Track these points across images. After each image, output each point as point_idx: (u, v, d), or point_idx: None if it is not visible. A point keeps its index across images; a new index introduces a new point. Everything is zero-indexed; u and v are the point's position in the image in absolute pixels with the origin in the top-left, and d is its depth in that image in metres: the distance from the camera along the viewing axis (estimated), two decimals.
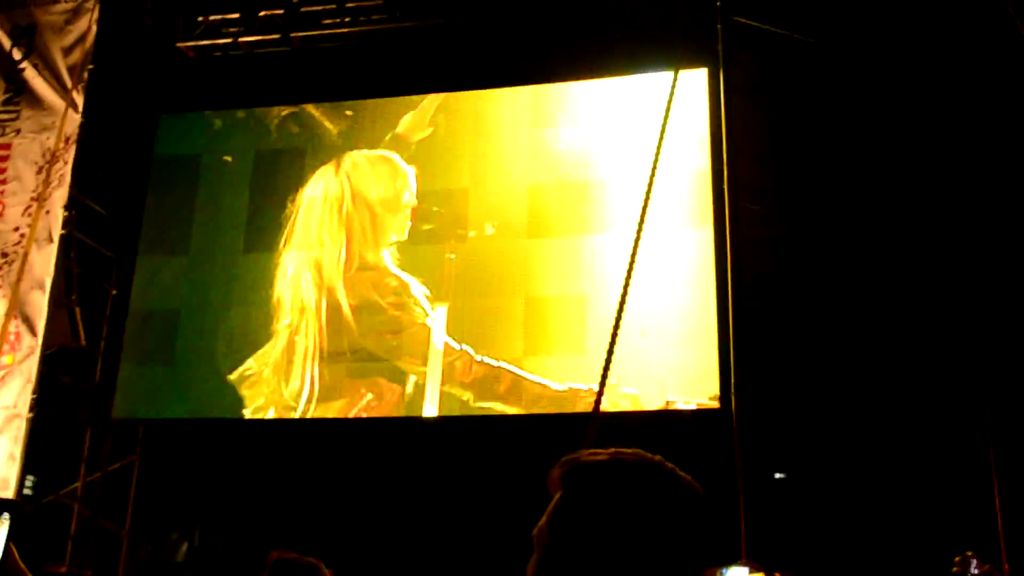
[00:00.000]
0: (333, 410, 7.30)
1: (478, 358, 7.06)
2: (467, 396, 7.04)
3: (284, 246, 7.79)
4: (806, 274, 6.65)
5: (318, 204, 7.84)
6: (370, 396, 7.22)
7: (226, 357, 7.61)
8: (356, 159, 7.89)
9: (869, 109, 6.70)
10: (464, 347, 7.12)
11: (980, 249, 6.21)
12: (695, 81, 7.13)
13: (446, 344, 7.16)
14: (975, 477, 5.97)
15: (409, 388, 7.16)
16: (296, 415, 7.36)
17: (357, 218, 7.73)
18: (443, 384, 7.07)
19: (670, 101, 5.27)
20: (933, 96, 6.45)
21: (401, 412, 7.16)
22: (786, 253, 6.73)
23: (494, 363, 7.02)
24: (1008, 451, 5.96)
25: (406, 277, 7.45)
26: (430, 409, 7.06)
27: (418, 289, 7.39)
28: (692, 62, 7.00)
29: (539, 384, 6.88)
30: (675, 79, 5.53)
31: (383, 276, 7.52)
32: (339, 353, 7.40)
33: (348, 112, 8.06)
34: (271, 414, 7.42)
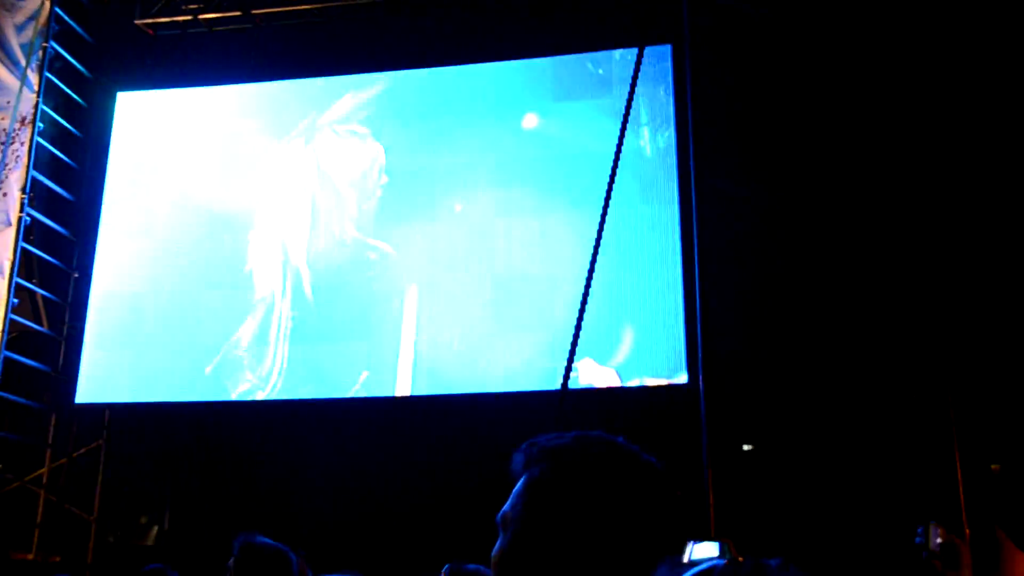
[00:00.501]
0: (303, 390, 7.26)
1: (448, 335, 7.05)
2: (437, 374, 7.03)
3: (253, 225, 7.71)
4: (772, 249, 6.69)
5: (287, 181, 7.76)
6: (342, 375, 7.19)
7: (193, 339, 7.54)
8: (325, 135, 7.81)
9: (838, 83, 6.73)
10: (434, 324, 7.11)
11: (949, 223, 6.27)
12: (660, 57, 7.12)
13: (416, 322, 7.14)
14: (938, 447, 6.06)
15: (380, 367, 7.13)
16: (265, 396, 7.31)
17: (326, 195, 7.67)
18: (413, 362, 7.05)
19: (635, 77, 5.26)
20: (903, 69, 6.49)
21: (372, 392, 7.13)
22: (753, 228, 6.77)
23: (464, 340, 7.02)
24: (970, 422, 6.05)
25: (375, 255, 7.41)
26: (402, 388, 7.05)
27: (387, 266, 7.36)
28: (657, 38, 6.98)
29: (509, 362, 6.89)
30: (640, 55, 5.52)
31: (352, 254, 7.47)
32: (309, 332, 7.36)
33: (312, 87, 7.97)
34: (240, 396, 7.37)
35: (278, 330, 7.42)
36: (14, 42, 7.13)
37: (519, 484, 1.27)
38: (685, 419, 6.32)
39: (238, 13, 8.06)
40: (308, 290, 7.45)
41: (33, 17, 7.12)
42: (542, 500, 1.23)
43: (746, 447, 6.83)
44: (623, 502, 1.21)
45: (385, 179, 7.57)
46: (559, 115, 7.39)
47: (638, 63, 5.39)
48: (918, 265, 6.24)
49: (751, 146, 6.84)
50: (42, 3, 7.13)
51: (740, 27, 6.82)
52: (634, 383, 6.65)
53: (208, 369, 7.40)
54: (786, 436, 6.54)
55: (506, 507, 1.27)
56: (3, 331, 6.73)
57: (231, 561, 3.07)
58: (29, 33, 7.10)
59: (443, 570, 2.43)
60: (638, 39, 5.65)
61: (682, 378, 6.51)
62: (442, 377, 7.02)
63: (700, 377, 5.90)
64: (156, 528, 8.23)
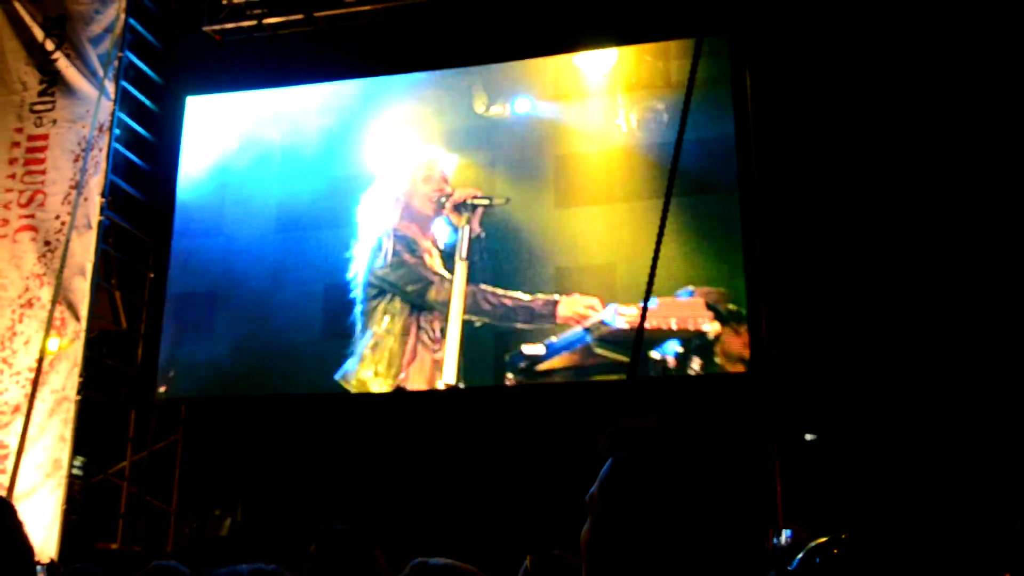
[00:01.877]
0: (368, 383, 7.43)
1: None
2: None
3: (318, 225, 7.89)
4: (834, 236, 6.65)
5: (351, 181, 7.93)
6: (402, 370, 7.34)
7: (261, 335, 7.74)
8: (389, 132, 7.94)
9: (891, 70, 6.65)
10: (495, 315, 7.22)
11: (1013, 212, 6.16)
12: (718, 48, 7.11)
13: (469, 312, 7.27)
14: (1004, 431, 5.97)
15: (447, 360, 7.27)
16: (333, 389, 7.50)
17: (388, 193, 7.82)
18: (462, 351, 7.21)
19: (694, 69, 5.26)
20: (959, 58, 6.39)
21: (437, 384, 7.27)
22: (814, 215, 6.73)
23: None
24: None
25: (436, 252, 7.54)
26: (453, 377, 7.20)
27: (448, 264, 7.48)
28: (715, 30, 6.98)
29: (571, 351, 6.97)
30: (699, 47, 5.52)
31: (415, 255, 7.61)
32: (374, 330, 7.52)
33: (372, 86, 8.12)
34: (311, 389, 7.56)
35: (345, 328, 7.59)
36: (92, 53, 7.42)
37: (605, 467, 1.32)
38: (748, 406, 6.34)
39: (300, 16, 8.24)
40: (375, 288, 7.61)
41: (109, 29, 7.39)
42: (626, 483, 1.28)
43: (809, 437, 6.80)
44: (704, 485, 1.25)
45: (444, 174, 7.69)
46: (615, 106, 7.43)
47: (696, 54, 5.39)
48: (992, 254, 6.13)
49: (811, 133, 6.80)
50: (117, 15, 7.39)
51: (797, 17, 6.78)
52: (695, 371, 6.67)
53: (277, 362, 7.61)
54: (851, 426, 6.50)
55: (593, 489, 1.32)
56: (86, 331, 7.01)
57: (313, 547, 3.17)
58: (106, 44, 7.37)
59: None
60: (697, 30, 5.67)
61: (745, 365, 6.51)
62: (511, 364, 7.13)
63: (766, 366, 5.92)
64: (229, 519, 8.48)
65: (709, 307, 6.75)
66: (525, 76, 7.82)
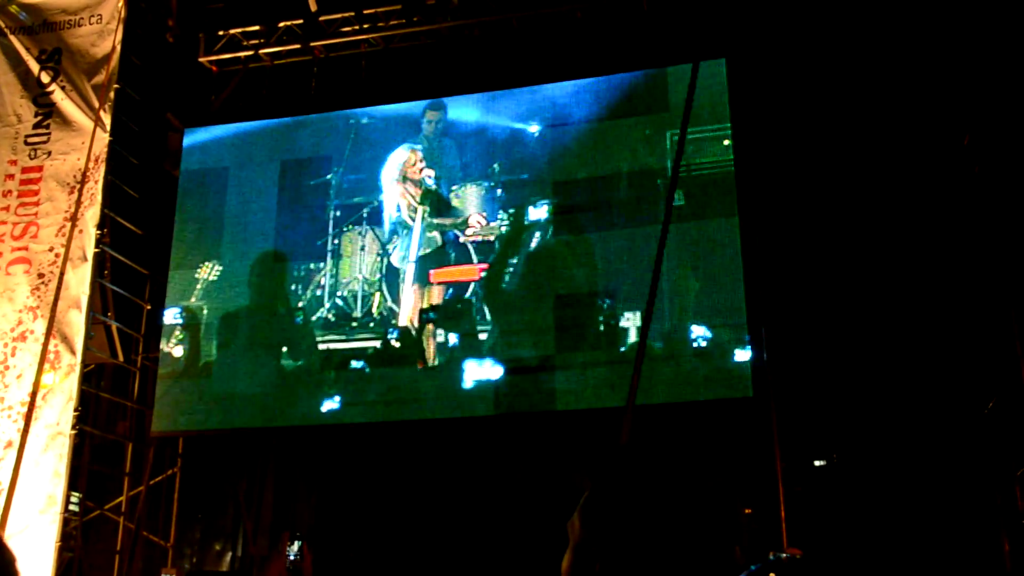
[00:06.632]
0: (366, 414, 7.35)
1: (515, 354, 7.09)
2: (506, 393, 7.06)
3: (317, 257, 7.86)
4: (838, 257, 6.61)
5: (349, 211, 7.91)
6: (410, 396, 7.27)
7: (261, 367, 7.68)
8: (386, 161, 7.95)
9: (891, 88, 6.64)
10: (501, 344, 7.15)
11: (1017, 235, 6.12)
12: (715, 71, 7.10)
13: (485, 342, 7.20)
14: (1016, 459, 5.89)
15: (448, 387, 7.20)
16: (328, 421, 7.42)
17: (386, 223, 7.81)
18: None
19: (690, 93, 5.25)
20: (953, 76, 6.38)
21: (437, 412, 7.19)
22: (816, 237, 6.69)
23: (530, 358, 7.04)
24: None
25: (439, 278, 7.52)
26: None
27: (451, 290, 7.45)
28: (711, 52, 6.98)
29: (573, 378, 6.89)
30: (695, 71, 5.50)
31: (411, 288, 7.57)
32: (375, 356, 7.46)
33: (367, 118, 8.12)
34: (307, 421, 7.48)
35: (335, 360, 7.53)
36: (87, 85, 7.42)
37: (585, 493, 1.32)
38: (753, 432, 6.26)
39: (298, 46, 8.26)
40: (376, 313, 7.56)
41: (105, 60, 7.40)
42: (605, 507, 1.27)
43: (817, 463, 6.73)
44: (677, 503, 1.25)
45: (440, 200, 7.68)
46: (610, 132, 7.42)
47: (693, 78, 5.37)
48: (996, 272, 6.09)
49: (812, 155, 6.78)
50: (113, 47, 7.39)
51: (794, 37, 6.79)
52: (698, 397, 6.59)
53: (272, 394, 7.55)
54: (859, 449, 6.43)
55: (573, 516, 1.31)
56: (81, 364, 6.93)
57: None
58: (102, 75, 7.37)
59: None
60: (693, 54, 5.66)
61: (749, 390, 6.43)
62: (510, 396, 7.05)
63: (770, 391, 5.85)
64: (230, 554, 8.39)
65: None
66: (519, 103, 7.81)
